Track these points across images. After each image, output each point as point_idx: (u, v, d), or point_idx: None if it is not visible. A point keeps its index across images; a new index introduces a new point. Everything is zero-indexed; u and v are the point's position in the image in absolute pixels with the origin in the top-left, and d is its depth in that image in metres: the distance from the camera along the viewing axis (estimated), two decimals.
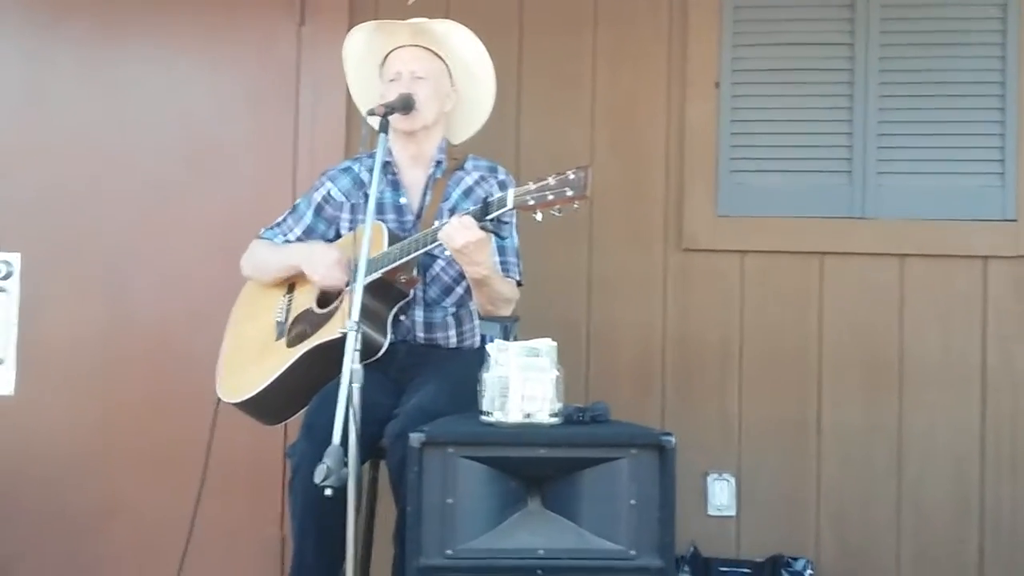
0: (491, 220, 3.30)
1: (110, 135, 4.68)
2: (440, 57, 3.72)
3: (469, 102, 3.80)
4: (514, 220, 3.67)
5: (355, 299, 3.08)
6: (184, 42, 4.69)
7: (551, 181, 3.18)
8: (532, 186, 3.21)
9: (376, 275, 3.37)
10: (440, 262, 3.64)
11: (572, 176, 3.15)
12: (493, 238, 3.45)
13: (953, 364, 4.47)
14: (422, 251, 3.42)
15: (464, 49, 3.74)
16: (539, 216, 3.21)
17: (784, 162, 4.57)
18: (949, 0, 4.53)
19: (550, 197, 3.17)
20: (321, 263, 3.59)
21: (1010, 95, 4.46)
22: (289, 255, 3.73)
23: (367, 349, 3.19)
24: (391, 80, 3.67)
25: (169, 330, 4.61)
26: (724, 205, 4.55)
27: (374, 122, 3.49)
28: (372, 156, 3.43)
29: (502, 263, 3.62)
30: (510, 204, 3.25)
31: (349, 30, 3.85)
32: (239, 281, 3.90)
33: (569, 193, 3.15)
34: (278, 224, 3.83)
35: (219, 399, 3.71)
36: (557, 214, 3.19)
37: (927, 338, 4.48)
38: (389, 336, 3.48)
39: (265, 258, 3.81)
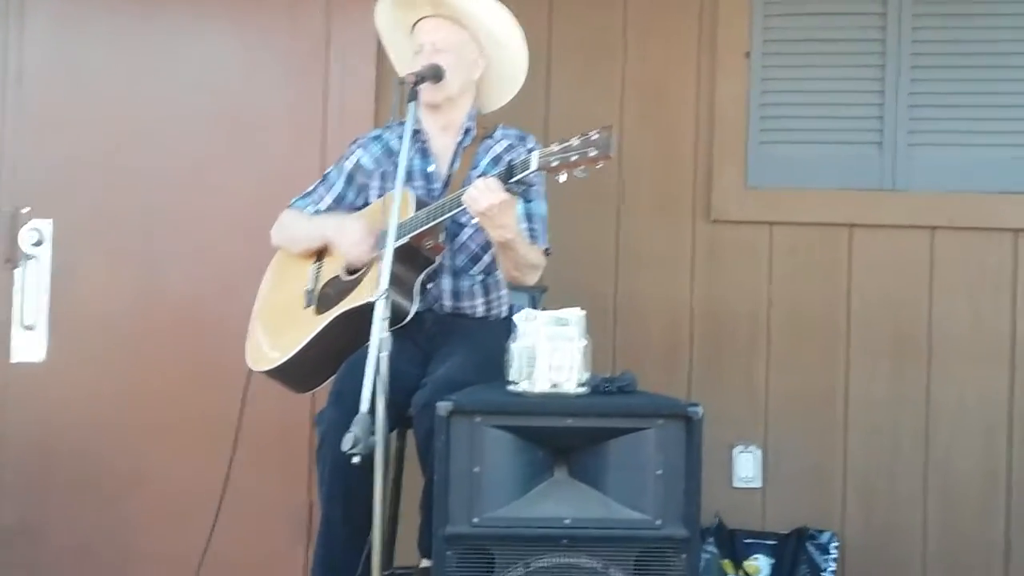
0: (515, 182, 3.30)
1: (141, 104, 4.68)
2: (465, 26, 3.71)
3: (499, 69, 3.79)
4: (542, 188, 3.67)
5: (384, 266, 3.09)
6: (213, 11, 4.69)
7: (575, 142, 3.18)
8: (556, 147, 3.21)
9: (403, 240, 3.37)
10: (467, 230, 3.64)
11: (596, 136, 3.15)
12: (520, 203, 3.45)
13: (982, 337, 4.45)
14: (448, 216, 3.43)
15: (485, 16, 3.70)
16: (563, 177, 3.21)
17: (814, 133, 4.56)
18: None
19: (574, 158, 3.17)
20: (349, 237, 3.59)
21: None
22: (320, 226, 3.74)
23: (394, 315, 3.18)
24: (416, 53, 3.67)
25: (199, 299, 4.62)
26: (754, 176, 4.54)
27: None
28: (402, 124, 3.43)
29: (529, 230, 3.61)
30: (534, 166, 3.25)
31: None
32: (270, 251, 3.91)
33: (593, 153, 3.14)
34: (309, 194, 3.84)
35: (250, 368, 3.73)
36: (581, 175, 3.19)
37: (956, 311, 4.47)
38: (416, 302, 3.48)
39: (296, 228, 3.82)
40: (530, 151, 3.56)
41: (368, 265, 3.55)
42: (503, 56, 3.77)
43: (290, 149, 4.64)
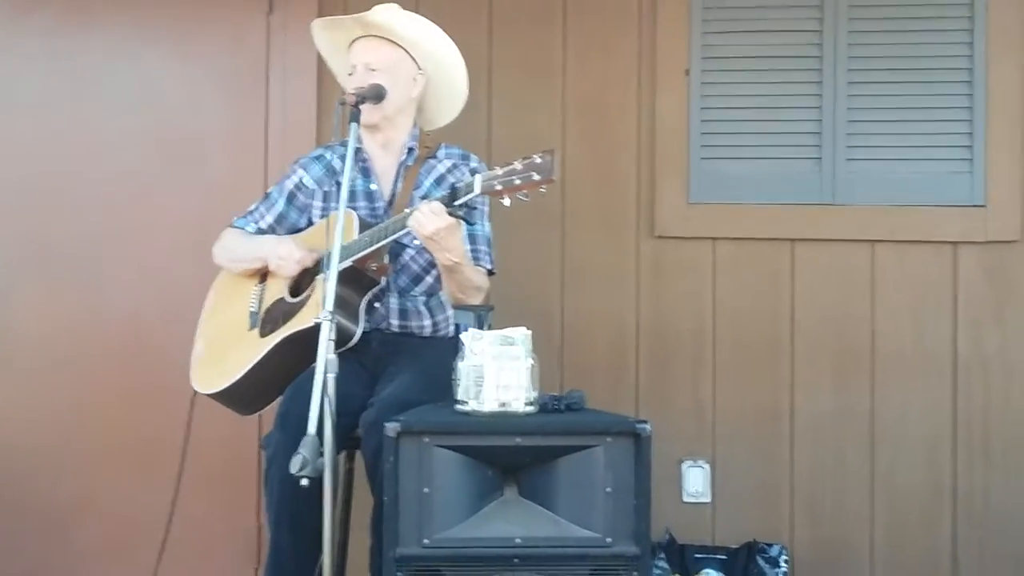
0: (460, 206, 3.30)
1: (80, 127, 4.66)
2: (399, 44, 3.69)
3: (440, 85, 3.77)
4: (486, 209, 3.68)
5: (329, 288, 3.07)
6: (153, 32, 4.67)
7: (518, 166, 3.19)
8: (499, 171, 3.22)
9: (347, 263, 3.36)
10: (409, 251, 3.63)
11: (539, 160, 3.16)
12: (464, 225, 3.45)
13: (924, 350, 4.49)
14: (392, 238, 3.42)
15: (416, 34, 3.69)
16: (507, 201, 3.22)
17: (754, 149, 4.58)
18: None
19: (517, 181, 3.18)
20: (286, 259, 3.59)
21: (978, 81, 4.48)
22: (258, 246, 3.73)
23: (340, 338, 3.18)
24: (349, 74, 3.66)
25: (141, 322, 4.59)
26: (695, 192, 4.56)
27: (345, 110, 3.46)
28: (344, 144, 3.42)
29: (472, 251, 3.61)
30: (478, 189, 3.25)
31: (318, 17, 3.84)
32: (212, 272, 3.88)
33: (536, 177, 3.15)
34: (250, 212, 3.82)
35: (195, 391, 3.69)
36: (524, 199, 3.20)
37: (898, 324, 4.50)
38: (362, 324, 3.48)
39: (236, 248, 3.81)
40: (473, 171, 3.58)
41: (312, 287, 3.54)
42: (442, 72, 3.76)
43: (232, 169, 4.62)
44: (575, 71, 4.62)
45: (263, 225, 3.78)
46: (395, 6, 3.71)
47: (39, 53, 4.68)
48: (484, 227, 3.68)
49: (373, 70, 3.62)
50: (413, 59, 3.70)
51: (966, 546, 4.44)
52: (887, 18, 4.55)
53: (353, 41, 3.70)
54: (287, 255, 3.59)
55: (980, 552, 4.44)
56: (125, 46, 4.67)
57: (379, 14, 3.67)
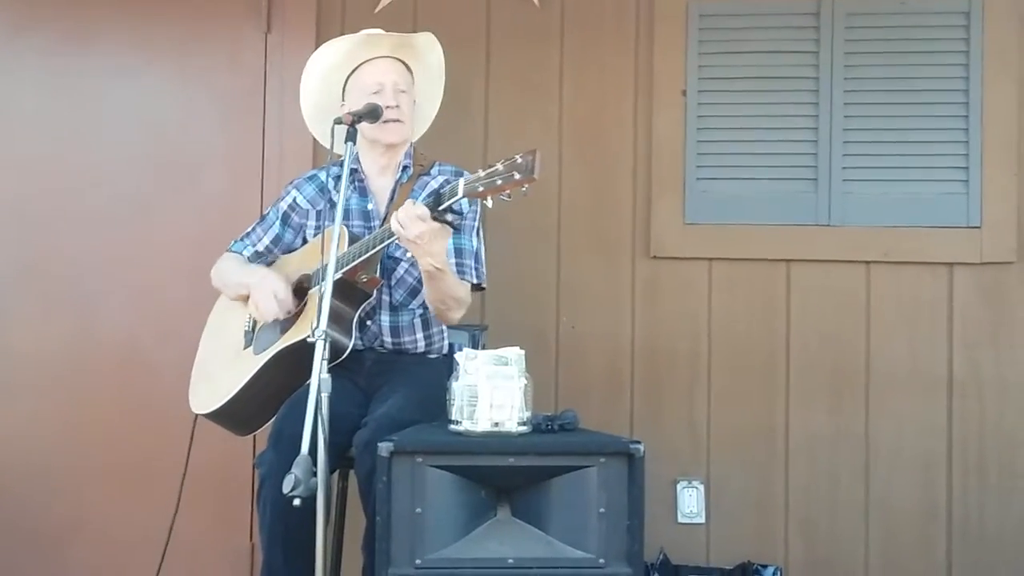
0: (444, 211, 3.30)
1: (76, 146, 4.65)
2: (412, 69, 3.74)
3: (421, 106, 3.82)
4: (476, 224, 3.70)
5: (324, 306, 3.07)
6: (151, 52, 4.67)
7: (500, 167, 3.20)
8: (482, 173, 3.23)
9: (337, 275, 3.36)
10: (404, 264, 3.64)
11: (520, 160, 3.16)
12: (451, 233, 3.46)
13: (919, 370, 4.48)
14: (379, 247, 3.44)
15: (433, 62, 3.77)
16: (489, 203, 3.23)
17: (750, 170, 4.57)
18: (913, 9, 4.55)
19: (499, 182, 3.18)
20: (262, 295, 3.58)
21: (974, 102, 4.48)
22: (246, 276, 3.73)
23: (332, 351, 3.17)
24: (374, 92, 3.65)
25: (136, 341, 4.58)
26: (691, 213, 4.56)
27: (340, 131, 3.44)
28: (337, 165, 3.43)
29: (457, 264, 3.61)
30: (461, 192, 3.26)
31: (316, 38, 3.85)
32: (207, 291, 3.88)
33: (517, 176, 3.15)
34: (247, 234, 3.85)
35: (196, 414, 3.69)
36: (506, 199, 3.20)
37: (893, 345, 4.50)
38: (354, 337, 3.48)
39: (228, 275, 3.82)
40: None
41: (304, 302, 3.54)
42: (427, 94, 3.80)
43: (229, 188, 4.62)
44: (572, 90, 4.63)
45: (260, 248, 3.80)
46: (431, 35, 3.79)
47: (38, 72, 4.68)
48: (471, 241, 3.69)
49: (403, 91, 3.68)
50: (414, 84, 3.76)
51: (961, 567, 4.42)
52: (883, 39, 4.55)
53: (368, 61, 3.71)
54: (269, 297, 3.57)
55: (975, 572, 4.42)
56: (123, 65, 4.68)
57: (421, 38, 3.76)
